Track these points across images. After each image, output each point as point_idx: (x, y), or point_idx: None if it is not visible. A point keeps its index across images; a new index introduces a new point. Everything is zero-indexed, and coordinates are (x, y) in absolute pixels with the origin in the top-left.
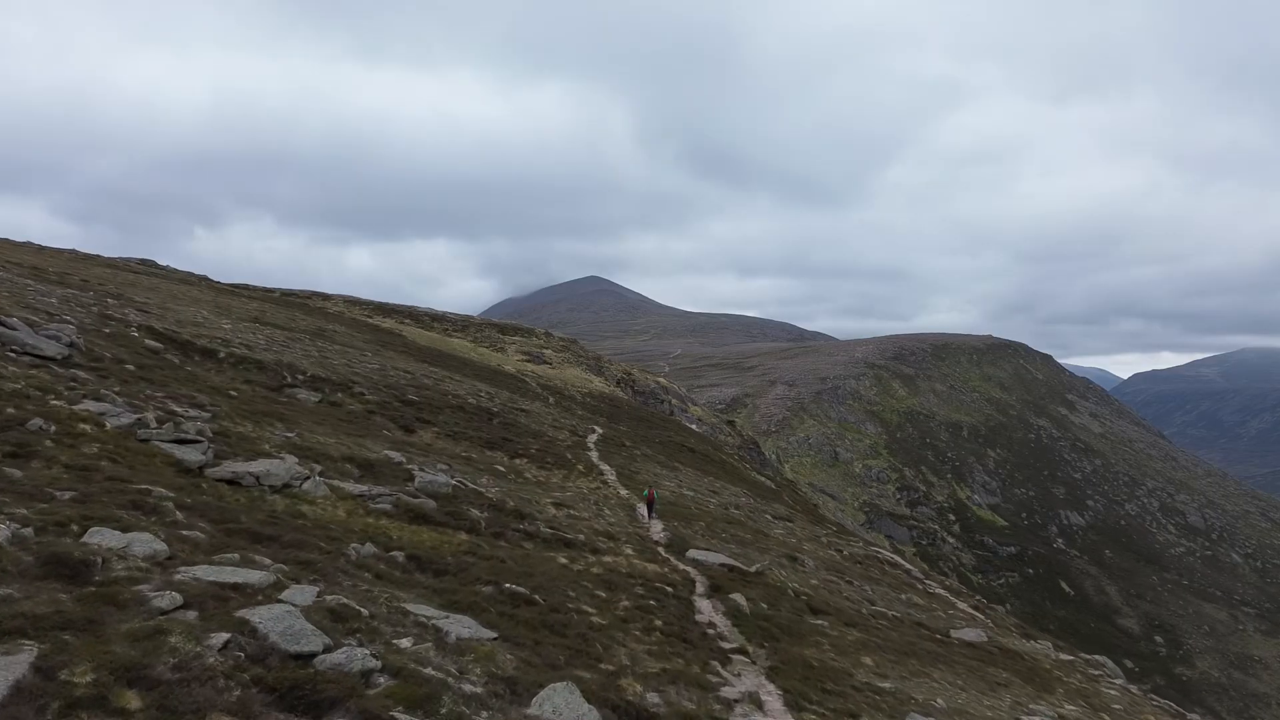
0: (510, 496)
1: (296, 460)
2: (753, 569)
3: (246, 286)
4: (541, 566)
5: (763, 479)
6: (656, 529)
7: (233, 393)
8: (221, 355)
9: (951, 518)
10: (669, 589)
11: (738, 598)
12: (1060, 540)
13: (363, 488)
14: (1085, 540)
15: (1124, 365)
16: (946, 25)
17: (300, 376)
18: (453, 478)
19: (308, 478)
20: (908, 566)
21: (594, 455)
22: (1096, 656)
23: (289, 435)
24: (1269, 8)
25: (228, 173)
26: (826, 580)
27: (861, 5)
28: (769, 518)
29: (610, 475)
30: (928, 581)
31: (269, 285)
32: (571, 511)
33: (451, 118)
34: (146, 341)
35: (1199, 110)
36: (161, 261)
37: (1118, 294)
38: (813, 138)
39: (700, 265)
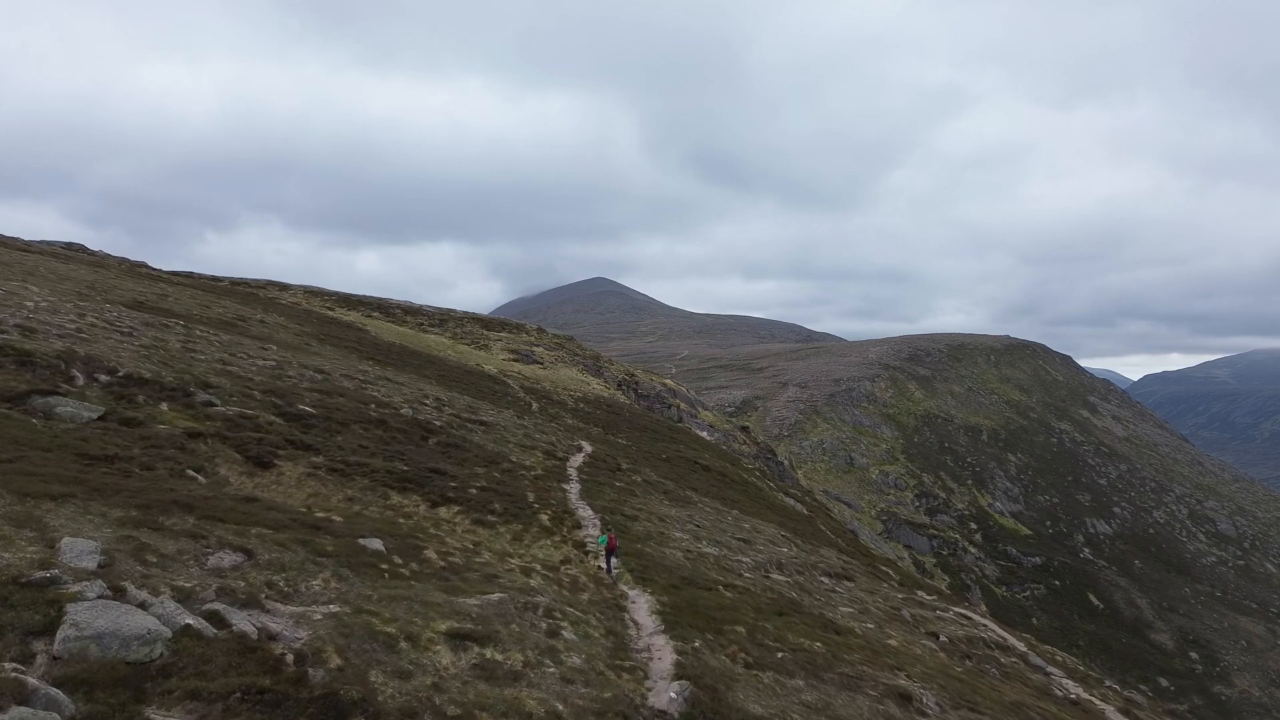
0: (344, 637)
1: None
2: None
3: (189, 275)
4: None
5: (790, 501)
6: (662, 664)
7: None
8: None
9: (973, 526)
10: None
11: None
12: (1087, 550)
13: None
14: (1113, 550)
15: (1133, 367)
16: (947, 33)
17: (103, 377)
18: (203, 604)
19: None
20: (1021, 648)
21: (573, 491)
22: None
23: None
24: (1267, 11)
25: (238, 178)
26: None
27: (860, 15)
28: (825, 581)
29: (592, 530)
30: (1050, 670)
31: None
32: (488, 654)
33: (461, 125)
34: None
35: (1201, 113)
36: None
37: (1124, 296)
38: (815, 143)
39: (707, 268)
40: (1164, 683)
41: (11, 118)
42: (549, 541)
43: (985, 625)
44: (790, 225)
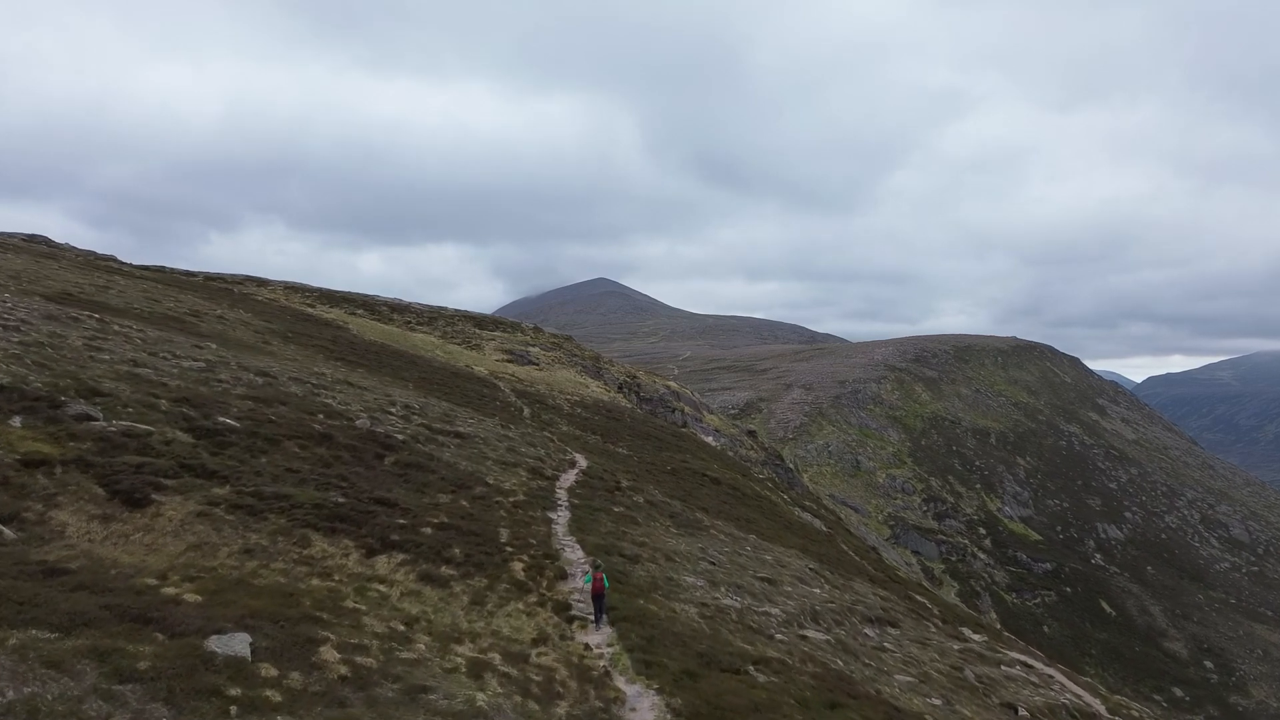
0: None
1: None
2: None
3: (160, 269)
4: None
5: (807, 517)
6: None
7: None
8: None
9: (982, 531)
10: None
11: None
12: (1098, 556)
13: None
14: (1125, 555)
15: (1136, 369)
16: (947, 36)
17: None
18: None
19: None
20: (1105, 714)
21: (560, 522)
22: None
23: None
24: (1267, 13)
25: (241, 179)
26: None
27: (860, 18)
28: (870, 634)
29: (580, 582)
30: None
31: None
32: None
33: (463, 126)
34: None
35: (1202, 115)
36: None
37: (1126, 297)
38: (816, 145)
39: (709, 269)
40: (1179, 693)
41: (16, 119)
42: (520, 605)
43: (1052, 678)
44: (792, 227)
